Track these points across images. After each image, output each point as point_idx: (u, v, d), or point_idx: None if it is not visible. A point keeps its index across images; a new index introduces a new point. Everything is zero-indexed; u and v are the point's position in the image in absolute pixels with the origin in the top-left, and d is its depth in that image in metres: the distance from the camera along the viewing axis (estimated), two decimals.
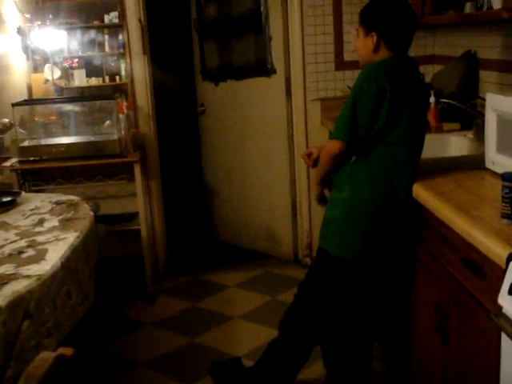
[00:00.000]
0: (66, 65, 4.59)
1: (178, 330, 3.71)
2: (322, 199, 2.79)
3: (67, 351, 1.15)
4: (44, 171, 3.99)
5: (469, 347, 2.02)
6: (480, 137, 2.99)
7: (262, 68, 4.49)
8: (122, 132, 3.93)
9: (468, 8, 3.03)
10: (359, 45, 2.56)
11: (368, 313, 2.73)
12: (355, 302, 2.65)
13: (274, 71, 4.43)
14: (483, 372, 1.91)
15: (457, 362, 2.14)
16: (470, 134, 3.12)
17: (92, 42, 4.68)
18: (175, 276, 4.52)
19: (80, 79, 4.65)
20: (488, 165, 2.53)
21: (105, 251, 4.12)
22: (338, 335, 2.72)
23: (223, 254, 4.94)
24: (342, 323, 2.69)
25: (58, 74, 4.43)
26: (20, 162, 3.87)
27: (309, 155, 2.84)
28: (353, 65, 4.02)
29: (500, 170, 2.39)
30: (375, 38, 2.47)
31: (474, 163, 2.61)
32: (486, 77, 3.41)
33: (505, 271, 1.70)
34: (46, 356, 1.10)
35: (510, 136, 2.33)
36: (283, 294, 4.01)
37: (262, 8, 4.39)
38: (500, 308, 1.71)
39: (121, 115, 3.93)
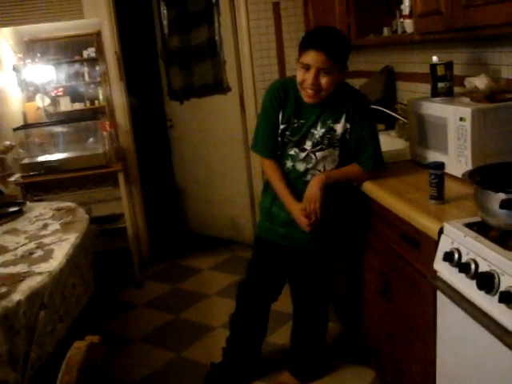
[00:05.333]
0: (53, 94, 4.57)
1: (164, 308, 3.70)
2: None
3: (95, 338, 1.14)
4: (43, 183, 3.92)
5: (409, 305, 2.08)
6: (402, 134, 3.05)
7: (219, 87, 4.48)
8: (107, 146, 3.89)
9: (385, 32, 3.09)
10: (331, 83, 2.25)
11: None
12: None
13: (229, 89, 4.42)
14: (422, 325, 1.97)
15: (399, 319, 2.19)
16: (394, 133, 3.17)
17: (74, 74, 4.76)
18: (157, 264, 4.49)
19: (65, 105, 4.69)
20: (412, 157, 2.58)
21: (98, 247, 4.09)
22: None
23: (195, 242, 4.92)
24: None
25: (47, 101, 4.46)
26: (22, 176, 3.84)
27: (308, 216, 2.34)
28: None
29: (422, 161, 2.46)
30: (345, 73, 2.34)
31: (400, 156, 2.67)
32: (402, 86, 3.48)
33: (437, 242, 1.75)
34: (80, 344, 1.09)
35: (428, 133, 2.39)
36: None
37: (216, 38, 4.38)
38: (435, 272, 1.75)
39: (104, 132, 3.90)
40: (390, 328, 2.31)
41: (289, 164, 2.42)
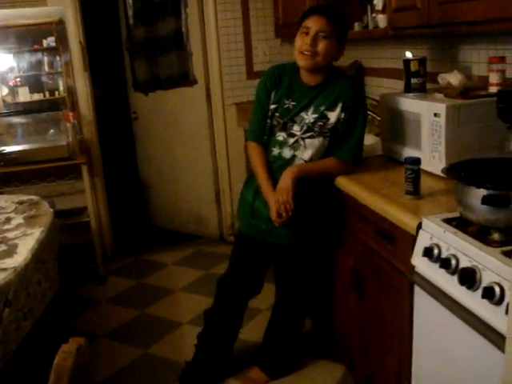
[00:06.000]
0: (11, 83, 4.40)
1: (128, 304, 3.61)
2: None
3: (81, 341, 1.07)
4: (2, 175, 3.76)
5: (383, 301, 2.07)
6: (371, 130, 3.05)
7: (185, 79, 4.40)
8: (70, 138, 3.77)
9: (356, 27, 3.07)
10: (328, 49, 2.24)
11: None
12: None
13: (195, 81, 4.34)
14: (397, 320, 1.96)
15: (372, 315, 2.18)
16: None
17: (34, 63, 4.50)
18: (121, 258, 4.39)
19: (24, 95, 4.46)
20: (384, 152, 2.58)
21: (61, 241, 3.97)
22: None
23: (160, 237, 4.82)
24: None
25: (5, 91, 4.24)
26: None
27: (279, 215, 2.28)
28: (260, 74, 4.00)
29: (395, 156, 2.45)
30: (342, 51, 2.34)
31: (372, 151, 2.66)
32: (371, 81, 3.49)
33: (414, 238, 1.74)
34: (69, 348, 1.01)
35: (401, 128, 2.38)
36: (214, 268, 3.99)
37: (183, 29, 4.29)
38: (412, 267, 1.74)
39: (68, 124, 3.77)
40: (362, 324, 2.30)
41: (275, 151, 2.38)
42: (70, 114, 3.80)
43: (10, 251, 2.19)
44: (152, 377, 2.79)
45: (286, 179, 2.28)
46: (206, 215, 4.65)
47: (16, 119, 4.13)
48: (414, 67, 2.39)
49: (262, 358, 2.75)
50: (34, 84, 4.56)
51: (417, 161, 1.95)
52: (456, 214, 1.68)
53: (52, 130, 4.07)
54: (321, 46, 2.23)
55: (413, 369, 1.85)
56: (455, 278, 1.50)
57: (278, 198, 2.27)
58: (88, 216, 3.93)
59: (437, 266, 1.59)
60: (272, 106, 2.39)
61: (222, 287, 2.66)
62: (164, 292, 3.75)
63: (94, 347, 3.09)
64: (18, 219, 2.62)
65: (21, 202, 2.89)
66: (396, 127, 2.42)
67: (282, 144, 2.37)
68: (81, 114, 4.08)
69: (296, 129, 2.34)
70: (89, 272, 4.01)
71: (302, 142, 2.34)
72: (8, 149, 3.87)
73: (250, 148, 2.47)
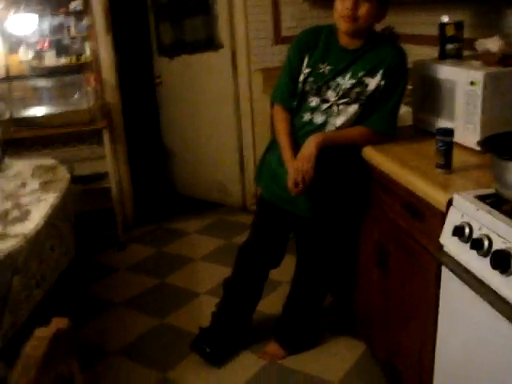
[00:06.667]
0: (37, 47, 4.32)
1: (148, 272, 3.55)
2: None
3: (62, 323, 0.96)
4: (24, 140, 3.69)
5: (407, 280, 1.95)
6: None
7: (210, 43, 4.25)
8: (91, 102, 3.69)
9: None
10: (370, 12, 2.07)
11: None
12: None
13: (221, 46, 4.19)
14: (422, 301, 1.84)
15: (396, 293, 2.07)
16: None
17: (60, 27, 4.41)
18: (142, 226, 4.32)
19: (50, 59, 4.39)
20: (414, 122, 2.43)
21: (80, 207, 3.92)
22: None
23: (182, 204, 4.74)
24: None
25: (31, 54, 4.17)
26: (2, 132, 3.57)
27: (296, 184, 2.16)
28: (288, 39, 3.84)
29: (426, 127, 2.30)
30: (385, 13, 2.16)
31: (401, 121, 2.50)
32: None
33: (444, 215, 1.61)
34: (43, 334, 0.91)
35: (433, 97, 2.22)
36: (235, 238, 3.88)
37: None
38: (440, 246, 1.62)
39: (89, 88, 3.69)
40: (384, 302, 2.18)
41: (306, 117, 2.24)
42: (92, 77, 3.71)
43: (22, 217, 2.12)
44: (166, 347, 2.74)
45: (310, 147, 2.15)
46: (230, 184, 4.55)
47: (41, 83, 4.07)
48: (449, 32, 2.22)
49: (280, 332, 2.66)
50: (60, 48, 4.50)
51: (449, 132, 1.80)
52: (491, 191, 1.55)
53: (76, 95, 4.01)
54: (362, 9, 2.07)
55: (436, 354, 1.74)
56: (487, 261, 1.37)
57: (298, 165, 2.14)
58: (109, 182, 3.86)
59: (467, 246, 1.46)
60: (306, 71, 2.23)
61: (242, 256, 2.59)
62: (184, 261, 3.68)
63: (110, 315, 3.07)
64: (34, 184, 2.54)
65: (39, 167, 2.82)
66: (428, 96, 2.26)
67: (314, 110, 2.23)
68: (103, 78, 3.98)
69: (330, 94, 2.19)
70: (109, 239, 3.96)
71: (335, 108, 2.19)
72: (30, 112, 3.82)
73: (275, 113, 2.35)
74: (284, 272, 2.75)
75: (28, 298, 1.96)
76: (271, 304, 2.95)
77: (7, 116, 3.71)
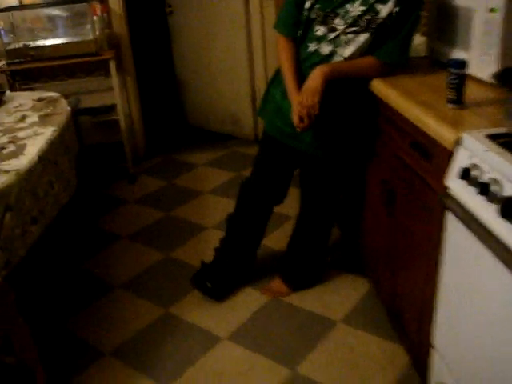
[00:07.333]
0: None
1: (156, 205, 3.49)
2: None
3: None
4: (30, 71, 3.57)
5: (413, 221, 1.83)
6: (418, 29, 2.68)
7: None
8: (97, 32, 3.51)
9: None
10: None
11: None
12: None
13: None
14: (426, 243, 1.73)
15: (401, 234, 1.96)
16: None
17: None
18: (153, 158, 4.24)
19: None
20: (429, 53, 2.25)
21: (89, 140, 3.84)
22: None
23: (194, 136, 4.63)
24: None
25: None
26: (8, 63, 3.46)
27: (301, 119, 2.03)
28: None
29: (440, 58, 2.13)
30: None
31: (414, 52, 2.31)
32: None
33: (451, 154, 1.47)
34: None
35: (449, 25, 2.03)
36: (246, 170, 3.77)
37: None
38: (446, 188, 1.49)
39: (95, 17, 3.51)
40: (390, 242, 2.08)
41: (312, 47, 2.08)
42: (97, 6, 3.52)
43: (18, 152, 2.02)
44: (171, 281, 2.70)
45: (316, 79, 1.99)
46: (242, 115, 4.41)
47: (47, 11, 3.88)
48: None
49: (284, 268, 2.60)
50: None
51: (462, 63, 1.63)
52: (504, 130, 1.40)
53: (84, 25, 3.83)
54: None
55: (437, 298, 1.65)
56: (496, 208, 1.25)
57: (302, 99, 2.00)
58: (117, 114, 3.74)
59: (475, 191, 1.34)
60: None
61: (244, 192, 2.49)
62: (193, 194, 3.60)
63: (116, 248, 3.03)
64: (34, 117, 2.44)
65: (40, 99, 2.70)
66: (443, 25, 2.08)
67: (320, 39, 2.06)
68: (110, 6, 3.79)
69: (338, 22, 2.01)
70: (119, 171, 3.90)
71: (343, 38, 2.02)
72: (36, 43, 3.66)
73: (279, 43, 2.18)
74: (292, 206, 2.66)
75: (24, 233, 1.89)
76: (278, 239, 2.89)
77: (12, 46, 3.56)
